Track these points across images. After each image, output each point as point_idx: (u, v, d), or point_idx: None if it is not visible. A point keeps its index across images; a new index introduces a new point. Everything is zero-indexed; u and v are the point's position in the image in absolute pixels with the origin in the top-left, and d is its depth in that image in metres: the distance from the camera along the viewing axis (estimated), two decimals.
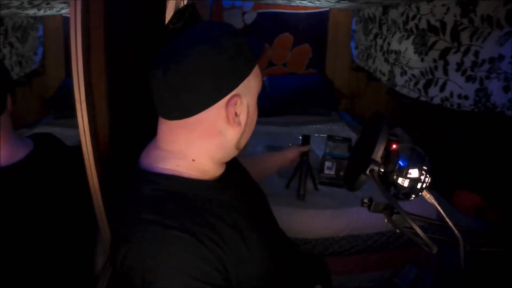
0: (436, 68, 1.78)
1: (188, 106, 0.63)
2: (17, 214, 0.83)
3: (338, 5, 2.54)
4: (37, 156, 0.90)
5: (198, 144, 0.67)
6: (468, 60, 1.58)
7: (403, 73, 2.07)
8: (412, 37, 1.95)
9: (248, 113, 0.69)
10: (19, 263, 0.84)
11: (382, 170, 0.69)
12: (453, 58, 1.66)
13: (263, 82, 3.65)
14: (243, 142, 0.72)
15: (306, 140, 1.53)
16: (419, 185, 0.68)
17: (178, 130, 0.67)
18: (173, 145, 0.68)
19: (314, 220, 1.60)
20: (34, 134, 0.97)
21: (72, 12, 0.68)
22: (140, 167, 0.70)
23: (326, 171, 1.76)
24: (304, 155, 1.49)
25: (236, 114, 0.66)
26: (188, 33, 0.66)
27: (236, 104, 0.65)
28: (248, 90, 0.67)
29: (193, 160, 0.68)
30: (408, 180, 0.68)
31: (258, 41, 0.70)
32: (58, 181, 0.92)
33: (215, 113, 0.65)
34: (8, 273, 0.82)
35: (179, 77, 0.61)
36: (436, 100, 1.80)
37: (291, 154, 1.33)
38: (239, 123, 0.67)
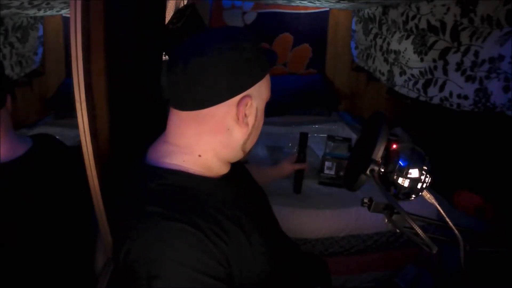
0: (435, 68, 1.78)
1: (203, 98, 0.65)
2: (15, 211, 0.83)
3: (338, 5, 2.54)
4: (36, 154, 0.90)
5: (206, 139, 0.69)
6: (468, 60, 1.58)
7: (402, 73, 2.07)
8: (412, 37, 1.95)
9: (256, 116, 0.71)
10: (17, 261, 0.84)
11: (382, 170, 0.69)
12: (453, 58, 1.66)
13: None
14: (249, 145, 0.73)
15: (303, 138, 1.53)
16: (419, 185, 0.68)
17: (189, 122, 0.68)
18: (181, 139, 0.70)
19: (314, 220, 1.60)
20: (33, 134, 0.97)
21: (72, 12, 0.69)
22: (147, 162, 0.71)
23: (326, 171, 1.76)
24: (301, 154, 1.49)
25: (245, 115, 0.68)
26: (211, 32, 0.69)
27: (247, 104, 0.67)
28: (259, 94, 0.70)
29: (200, 155, 0.70)
30: (408, 180, 0.68)
31: (272, 52, 0.73)
32: (57, 179, 0.93)
33: (226, 109, 0.66)
34: (6, 272, 0.82)
35: (199, 69, 0.63)
36: (436, 100, 1.80)
37: (286, 171, 1.41)
38: (247, 124, 0.69)
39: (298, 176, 1.64)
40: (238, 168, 0.82)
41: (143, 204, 0.63)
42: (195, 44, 0.66)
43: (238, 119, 0.67)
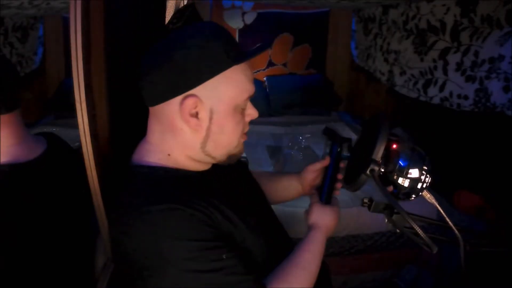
0: (435, 68, 1.79)
1: (150, 95, 0.67)
2: (30, 212, 0.83)
3: (338, 5, 2.54)
4: (52, 154, 0.90)
5: (167, 138, 0.69)
6: (468, 60, 1.58)
7: (402, 73, 2.07)
8: (412, 37, 1.95)
9: (211, 119, 0.66)
10: (19, 261, 0.83)
11: (383, 170, 0.69)
12: (453, 58, 1.66)
13: (263, 82, 3.49)
14: (211, 149, 0.69)
15: (331, 134, 1.05)
16: (419, 185, 0.68)
17: (152, 119, 0.71)
18: (151, 136, 0.71)
19: None
20: (42, 132, 0.96)
21: (72, 12, 0.68)
22: (131, 162, 0.73)
23: None
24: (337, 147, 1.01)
25: (196, 116, 0.65)
26: (175, 33, 0.69)
27: (196, 106, 0.65)
28: (215, 94, 0.65)
29: (169, 154, 0.70)
30: (409, 180, 0.68)
31: (255, 48, 0.68)
32: (68, 180, 0.93)
33: (175, 108, 0.66)
34: (8, 272, 0.82)
35: (145, 68, 0.66)
36: (436, 100, 1.81)
37: (309, 176, 0.95)
38: (199, 126, 0.66)
39: (329, 182, 0.92)
40: (227, 168, 0.79)
41: (130, 200, 0.64)
42: (155, 46, 0.68)
43: (183, 118, 0.65)
